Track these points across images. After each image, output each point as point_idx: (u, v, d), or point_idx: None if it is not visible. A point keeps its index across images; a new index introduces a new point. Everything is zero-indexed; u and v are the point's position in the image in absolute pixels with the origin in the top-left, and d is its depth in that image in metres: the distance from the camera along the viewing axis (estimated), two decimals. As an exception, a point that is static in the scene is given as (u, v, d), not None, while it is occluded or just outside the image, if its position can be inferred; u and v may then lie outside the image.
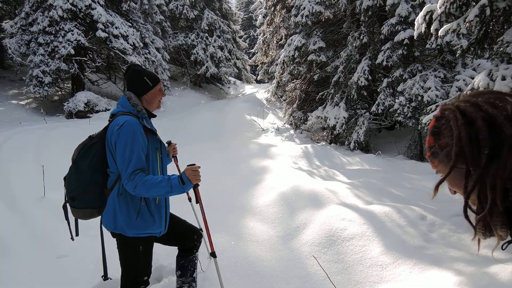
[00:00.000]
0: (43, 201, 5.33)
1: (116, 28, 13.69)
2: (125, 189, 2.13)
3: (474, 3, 3.92)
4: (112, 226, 2.19)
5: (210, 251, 3.68)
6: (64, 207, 2.28)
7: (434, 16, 4.14)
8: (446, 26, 3.99)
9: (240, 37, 28.91)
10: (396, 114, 8.99)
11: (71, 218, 2.32)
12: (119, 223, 2.17)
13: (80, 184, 2.18)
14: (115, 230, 2.20)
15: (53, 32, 12.68)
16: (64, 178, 2.25)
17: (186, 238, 2.65)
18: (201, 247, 3.04)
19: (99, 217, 2.32)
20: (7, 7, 14.61)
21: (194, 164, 2.20)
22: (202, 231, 3.04)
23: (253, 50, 23.50)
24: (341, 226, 4.07)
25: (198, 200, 2.53)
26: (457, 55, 5.14)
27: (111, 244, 2.31)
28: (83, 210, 2.25)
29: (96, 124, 10.22)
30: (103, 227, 2.30)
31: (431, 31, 4.19)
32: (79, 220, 2.37)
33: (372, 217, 4.23)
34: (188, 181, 2.11)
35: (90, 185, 2.19)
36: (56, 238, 4.14)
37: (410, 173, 6.83)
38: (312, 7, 11.41)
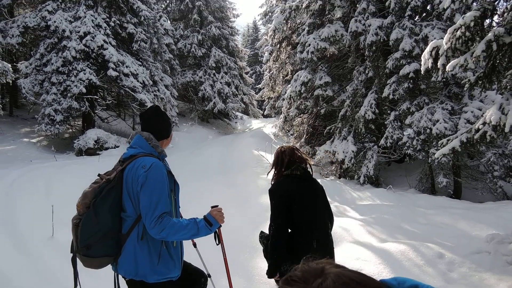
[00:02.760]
0: (52, 242, 5.26)
1: (126, 67, 14.09)
2: (146, 233, 2.06)
3: (478, 38, 3.98)
4: (133, 273, 2.07)
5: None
6: (73, 260, 2.10)
7: (440, 52, 4.19)
8: (453, 62, 4.02)
9: (247, 73, 29.54)
10: (405, 147, 8.92)
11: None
12: (141, 270, 2.06)
13: (99, 230, 2.01)
14: (135, 277, 2.08)
15: (66, 71, 13.08)
16: (76, 225, 2.00)
17: (195, 281, 2.57)
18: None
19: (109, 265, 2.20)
20: (23, 48, 15.22)
21: (217, 206, 2.37)
22: (210, 276, 2.93)
23: (259, 86, 23.93)
24: (356, 266, 3.92)
25: (220, 241, 2.57)
26: (465, 88, 5.15)
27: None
28: (101, 258, 2.06)
29: (105, 161, 10.28)
30: (119, 275, 2.17)
31: (438, 66, 4.22)
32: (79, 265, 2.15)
33: (387, 256, 4.08)
34: (215, 221, 2.22)
35: (109, 230, 2.05)
36: (64, 279, 4.04)
37: (423, 208, 6.66)
38: (317, 44, 11.67)
